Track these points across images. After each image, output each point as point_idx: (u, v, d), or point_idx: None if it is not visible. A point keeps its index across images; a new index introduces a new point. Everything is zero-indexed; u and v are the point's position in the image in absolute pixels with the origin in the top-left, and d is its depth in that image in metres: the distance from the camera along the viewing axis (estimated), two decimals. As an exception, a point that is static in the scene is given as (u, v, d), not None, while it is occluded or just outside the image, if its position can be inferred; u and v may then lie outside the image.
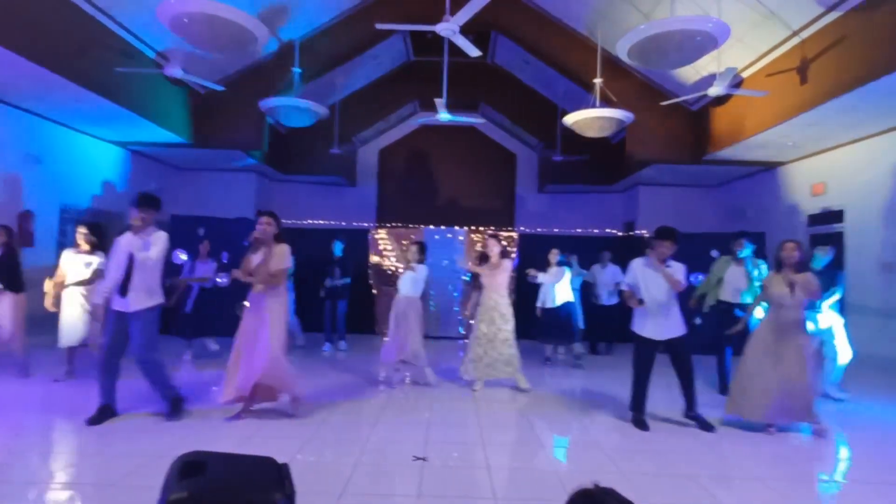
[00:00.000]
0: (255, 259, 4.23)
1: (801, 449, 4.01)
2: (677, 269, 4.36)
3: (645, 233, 9.80)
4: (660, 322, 4.34)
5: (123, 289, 3.98)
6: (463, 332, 9.25)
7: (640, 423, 4.32)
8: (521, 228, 11.96)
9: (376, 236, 9.55)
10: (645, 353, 4.41)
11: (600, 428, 4.38)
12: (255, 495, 1.28)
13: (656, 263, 4.36)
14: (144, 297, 4.02)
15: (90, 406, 4.04)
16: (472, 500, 2.94)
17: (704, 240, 8.13)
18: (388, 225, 10.72)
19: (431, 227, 9.81)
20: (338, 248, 7.65)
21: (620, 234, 10.64)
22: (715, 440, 4.10)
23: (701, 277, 6.45)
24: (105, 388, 4.02)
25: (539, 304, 7.07)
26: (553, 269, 6.82)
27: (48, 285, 5.22)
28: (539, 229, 11.36)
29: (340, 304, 7.65)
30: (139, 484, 2.95)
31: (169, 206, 9.62)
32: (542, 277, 6.67)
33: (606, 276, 7.92)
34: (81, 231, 5.33)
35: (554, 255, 6.88)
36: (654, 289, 4.35)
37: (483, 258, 5.57)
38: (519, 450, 3.89)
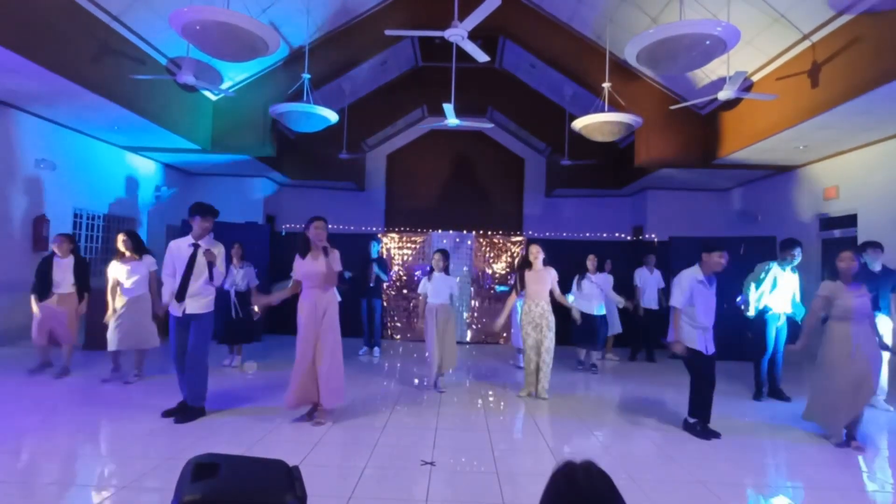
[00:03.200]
0: (307, 264, 4.16)
1: (817, 456, 3.96)
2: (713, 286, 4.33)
3: (654, 237, 9.74)
4: (708, 336, 4.26)
5: (182, 294, 4.13)
6: (468, 340, 9.23)
7: (710, 432, 4.24)
8: (530, 233, 11.94)
9: (385, 240, 9.58)
10: (705, 366, 4.27)
11: (610, 433, 4.36)
12: (267, 497, 1.29)
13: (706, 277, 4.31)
14: (204, 302, 4.22)
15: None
16: (481, 504, 2.94)
17: (713, 244, 8.05)
18: (397, 229, 10.75)
19: (439, 231, 9.82)
20: (374, 249, 7.70)
21: (629, 238, 10.59)
22: (727, 447, 4.06)
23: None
24: (182, 386, 4.29)
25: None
26: (600, 276, 6.87)
27: (110, 299, 5.42)
28: (547, 234, 11.34)
29: (376, 304, 7.61)
30: (153, 486, 2.98)
31: (180, 211, 9.76)
32: (589, 287, 6.76)
33: (653, 280, 7.69)
34: (121, 238, 5.47)
35: (592, 262, 6.87)
36: (706, 305, 4.25)
37: (526, 265, 5.43)
38: (528, 455, 3.88)
